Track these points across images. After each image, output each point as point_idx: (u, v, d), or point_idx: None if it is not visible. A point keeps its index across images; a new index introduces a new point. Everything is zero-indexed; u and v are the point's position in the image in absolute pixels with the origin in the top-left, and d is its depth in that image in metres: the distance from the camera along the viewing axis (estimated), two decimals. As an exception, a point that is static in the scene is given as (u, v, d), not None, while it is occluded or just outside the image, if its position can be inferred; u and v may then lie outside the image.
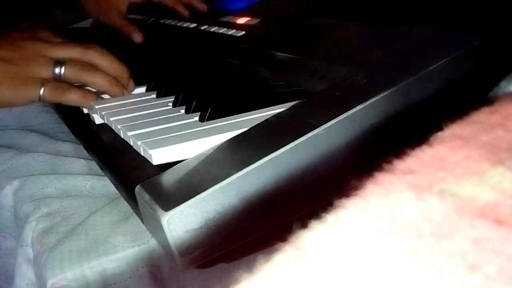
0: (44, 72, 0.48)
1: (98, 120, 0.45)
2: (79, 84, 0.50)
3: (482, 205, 0.12)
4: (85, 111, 0.49)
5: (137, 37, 0.77)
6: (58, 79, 0.48)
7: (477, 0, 0.40)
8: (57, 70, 0.48)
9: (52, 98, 0.47)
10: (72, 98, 0.47)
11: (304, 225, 0.12)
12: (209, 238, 0.26)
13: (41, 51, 0.49)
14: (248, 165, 0.26)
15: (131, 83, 0.51)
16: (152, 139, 0.34)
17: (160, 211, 0.25)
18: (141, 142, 0.33)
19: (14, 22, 0.84)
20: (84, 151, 0.48)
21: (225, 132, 0.33)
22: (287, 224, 0.27)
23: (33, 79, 0.47)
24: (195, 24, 0.68)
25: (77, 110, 0.50)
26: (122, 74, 0.50)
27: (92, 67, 0.49)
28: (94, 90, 0.50)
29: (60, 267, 0.32)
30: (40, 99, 0.47)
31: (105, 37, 0.89)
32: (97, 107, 0.46)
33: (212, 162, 0.29)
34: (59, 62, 0.48)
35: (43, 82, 0.47)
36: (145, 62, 0.63)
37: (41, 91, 0.47)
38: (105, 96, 0.51)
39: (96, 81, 0.49)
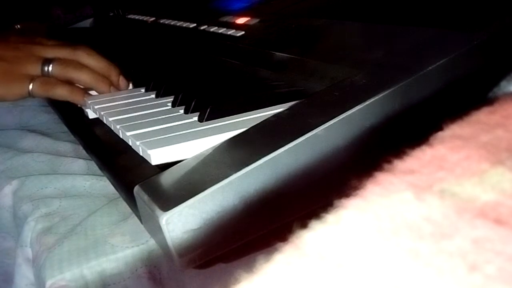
0: (33, 69, 0.51)
1: (91, 114, 0.48)
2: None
3: (482, 205, 0.12)
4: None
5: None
6: (47, 76, 0.51)
7: (477, 0, 0.40)
8: (45, 68, 0.51)
9: (40, 92, 0.50)
10: (60, 92, 0.50)
11: (304, 225, 0.12)
12: (208, 239, 0.26)
13: (33, 51, 0.52)
14: (247, 165, 0.26)
15: (122, 80, 0.53)
16: (151, 139, 0.34)
17: (158, 211, 0.25)
18: (140, 142, 0.33)
19: (14, 22, 0.84)
20: (83, 151, 0.48)
21: (224, 132, 0.33)
22: (287, 224, 0.27)
23: (24, 75, 0.51)
24: (195, 24, 0.68)
25: (76, 110, 0.50)
26: (109, 73, 0.53)
27: (79, 65, 0.52)
28: (82, 87, 0.52)
29: (59, 267, 0.32)
30: (30, 94, 0.50)
31: (105, 37, 0.89)
32: (89, 101, 0.47)
33: (211, 162, 0.28)
34: (48, 61, 0.51)
35: (33, 78, 0.50)
36: (144, 62, 0.62)
37: (30, 86, 0.50)
38: (93, 93, 0.52)
39: (82, 77, 0.51)
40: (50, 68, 0.51)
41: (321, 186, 0.28)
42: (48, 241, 0.35)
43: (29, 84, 0.50)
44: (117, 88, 0.53)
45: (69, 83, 0.51)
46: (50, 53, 0.53)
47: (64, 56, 0.52)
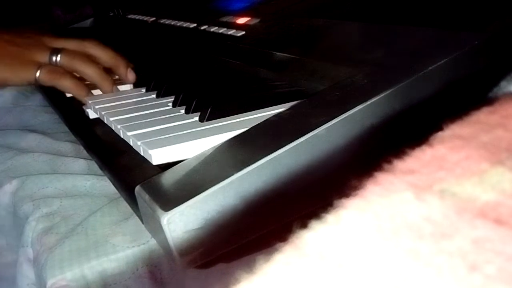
0: (42, 57, 0.52)
1: (92, 114, 0.47)
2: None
3: (482, 205, 0.12)
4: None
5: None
6: (54, 65, 0.52)
7: (477, 0, 0.40)
8: (53, 57, 0.52)
9: (46, 80, 0.51)
10: (65, 83, 0.50)
11: (304, 225, 0.12)
12: (209, 238, 0.26)
13: (43, 41, 0.53)
14: (248, 165, 0.26)
15: (130, 72, 0.54)
16: (152, 139, 0.34)
17: (160, 211, 0.25)
18: (141, 142, 0.33)
19: (14, 22, 0.84)
20: (84, 151, 0.48)
21: (225, 132, 0.33)
22: (287, 224, 0.27)
23: (32, 61, 0.51)
24: (195, 24, 0.68)
25: (77, 110, 0.51)
26: (117, 64, 0.53)
27: (86, 58, 0.52)
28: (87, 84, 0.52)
29: (60, 267, 0.32)
30: (36, 81, 0.51)
31: (105, 37, 0.89)
32: (90, 101, 0.47)
33: (212, 162, 0.29)
34: (56, 50, 0.52)
35: (41, 65, 0.51)
36: (145, 62, 0.62)
37: (38, 73, 0.50)
38: (96, 93, 0.52)
39: (87, 71, 0.52)
40: (58, 58, 0.52)
41: (322, 186, 0.28)
42: (49, 241, 0.35)
43: (37, 70, 0.50)
44: (125, 80, 0.54)
45: (76, 77, 0.52)
46: (60, 44, 0.53)
47: (73, 48, 0.53)
